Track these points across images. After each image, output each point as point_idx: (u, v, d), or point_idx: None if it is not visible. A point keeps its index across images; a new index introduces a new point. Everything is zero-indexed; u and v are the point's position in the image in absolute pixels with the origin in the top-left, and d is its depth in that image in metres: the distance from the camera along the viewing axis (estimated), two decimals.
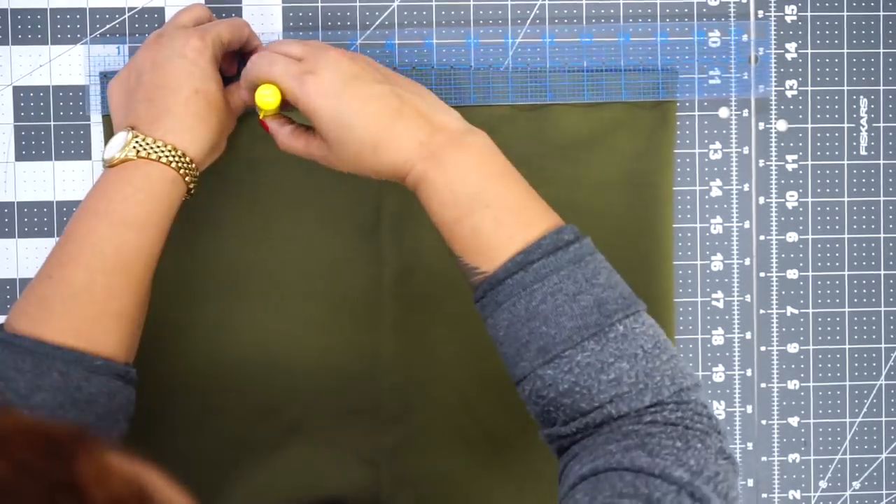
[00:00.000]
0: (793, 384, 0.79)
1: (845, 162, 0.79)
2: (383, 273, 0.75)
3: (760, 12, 0.78)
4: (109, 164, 0.64)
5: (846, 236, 0.79)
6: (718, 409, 0.78)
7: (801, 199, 0.79)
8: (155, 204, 0.63)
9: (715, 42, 0.77)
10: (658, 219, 0.76)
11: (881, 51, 0.78)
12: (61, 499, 0.33)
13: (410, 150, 0.61)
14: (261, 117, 0.67)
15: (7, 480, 0.33)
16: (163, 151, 0.63)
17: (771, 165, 0.78)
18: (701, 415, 0.58)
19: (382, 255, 0.75)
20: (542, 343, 0.58)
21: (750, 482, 0.79)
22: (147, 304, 0.65)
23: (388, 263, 0.75)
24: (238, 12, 0.75)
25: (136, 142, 0.63)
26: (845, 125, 0.79)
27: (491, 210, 0.60)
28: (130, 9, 0.75)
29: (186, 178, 0.65)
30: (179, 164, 0.64)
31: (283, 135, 0.66)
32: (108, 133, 0.74)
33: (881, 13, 0.78)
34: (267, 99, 0.64)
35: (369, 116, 0.61)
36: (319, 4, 0.76)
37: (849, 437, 0.79)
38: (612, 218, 0.76)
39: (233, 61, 0.71)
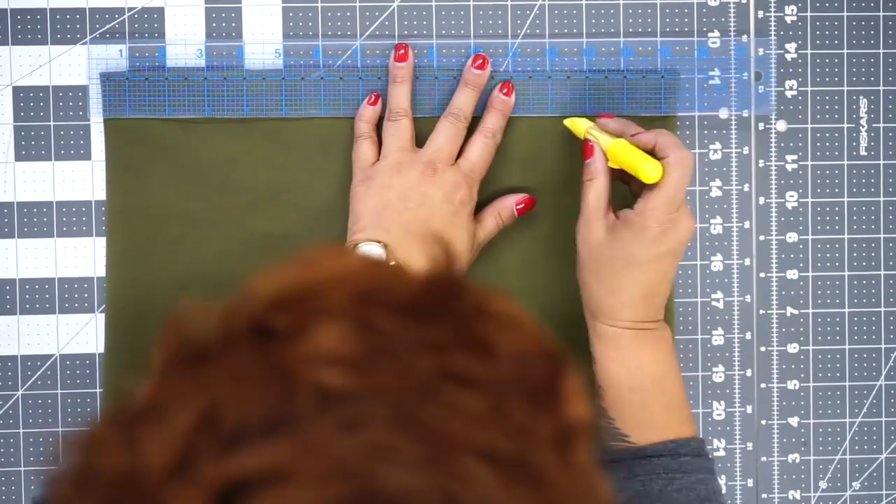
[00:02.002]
0: (793, 384, 0.79)
1: (845, 162, 0.79)
2: None
3: (760, 12, 0.78)
4: None
5: (846, 236, 0.79)
6: (718, 409, 0.78)
7: (801, 200, 0.79)
8: None
9: (714, 42, 0.77)
10: None
11: (881, 51, 0.78)
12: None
13: (624, 320, 0.66)
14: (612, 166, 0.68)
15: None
16: None
17: (771, 166, 0.78)
18: None
19: None
20: None
21: (750, 482, 0.79)
22: None
23: None
24: (238, 12, 0.75)
25: (391, 261, 0.66)
26: (845, 125, 0.78)
27: (665, 396, 0.66)
28: (130, 9, 0.75)
29: None
30: None
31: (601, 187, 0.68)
32: (109, 134, 0.74)
33: (881, 13, 0.78)
34: (650, 173, 0.65)
35: (644, 280, 0.66)
36: (319, 4, 0.76)
37: (849, 438, 0.79)
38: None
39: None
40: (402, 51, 0.73)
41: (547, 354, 0.37)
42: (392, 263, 0.66)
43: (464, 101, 0.72)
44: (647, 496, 0.63)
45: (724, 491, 0.69)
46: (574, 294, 0.70)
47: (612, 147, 0.68)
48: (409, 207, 0.68)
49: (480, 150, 0.71)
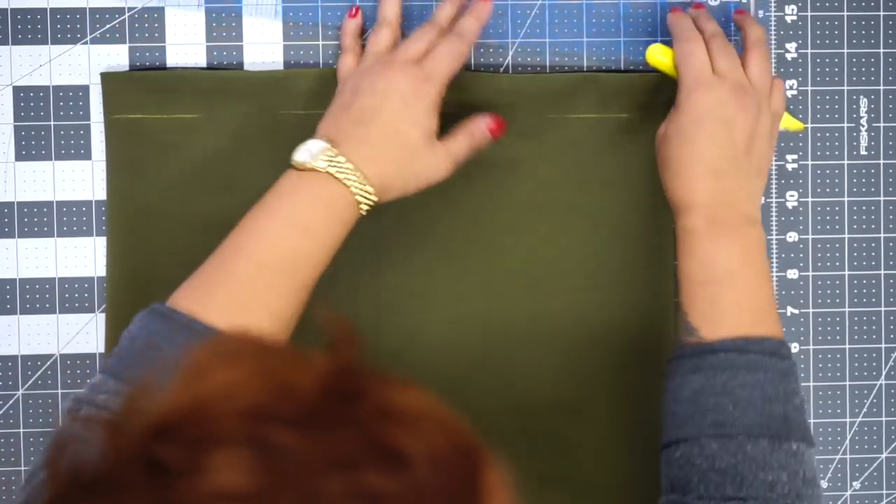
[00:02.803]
0: None
1: (845, 162, 0.79)
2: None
3: (760, 12, 0.78)
4: (298, 167, 0.65)
5: (846, 236, 0.79)
6: None
7: (801, 199, 0.79)
8: (332, 218, 0.65)
9: None
10: (658, 219, 0.76)
11: (881, 51, 0.78)
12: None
13: (697, 204, 0.66)
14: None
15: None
16: (351, 176, 0.65)
17: (771, 166, 0.78)
18: None
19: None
20: (721, 418, 0.61)
21: None
22: (299, 316, 0.65)
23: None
24: (237, 11, 0.75)
25: (331, 157, 0.65)
26: (845, 125, 0.78)
27: (736, 291, 0.65)
28: (130, 9, 0.75)
29: (362, 207, 0.66)
30: (361, 193, 0.65)
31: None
32: (108, 133, 0.74)
33: (881, 13, 0.78)
34: (659, 57, 0.71)
35: (700, 154, 0.67)
36: (319, 4, 0.76)
37: (849, 437, 0.79)
38: (612, 218, 0.76)
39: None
40: None
41: (463, 451, 0.35)
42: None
43: (444, 12, 0.71)
44: (711, 389, 0.62)
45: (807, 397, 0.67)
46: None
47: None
48: (357, 101, 0.67)
49: (447, 48, 0.69)
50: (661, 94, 0.76)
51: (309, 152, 0.65)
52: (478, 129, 0.70)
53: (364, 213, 0.66)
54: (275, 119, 0.74)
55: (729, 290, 0.65)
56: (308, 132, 0.74)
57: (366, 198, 0.65)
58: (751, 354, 0.63)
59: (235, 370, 0.35)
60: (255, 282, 0.63)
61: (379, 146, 0.66)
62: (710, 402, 0.62)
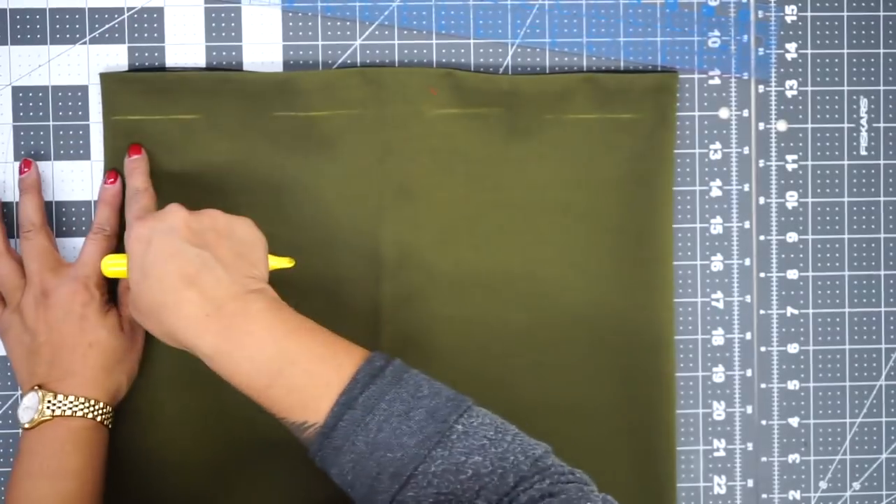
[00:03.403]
0: (793, 384, 0.79)
1: (845, 162, 0.79)
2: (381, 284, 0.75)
3: (760, 12, 0.78)
4: (32, 426, 0.67)
5: (846, 236, 0.79)
6: (718, 409, 0.78)
7: (801, 200, 0.79)
8: (84, 452, 0.67)
9: (715, 42, 0.77)
10: (658, 219, 0.76)
11: (881, 51, 0.78)
12: None
13: (196, 321, 0.61)
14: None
15: None
16: (76, 406, 0.67)
17: (771, 165, 0.78)
18: (565, 474, 0.59)
19: (383, 272, 0.75)
20: (392, 469, 0.59)
21: (750, 483, 0.79)
22: None
23: (386, 276, 0.75)
24: (237, 12, 0.75)
25: (49, 402, 0.67)
26: (845, 125, 0.78)
27: (298, 365, 0.61)
28: (130, 9, 0.75)
29: (105, 422, 0.69)
30: (95, 413, 0.68)
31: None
32: (109, 133, 0.74)
33: (881, 13, 0.78)
34: (113, 268, 0.69)
35: (163, 274, 0.62)
36: (319, 4, 0.76)
37: (849, 438, 0.79)
38: (612, 218, 0.76)
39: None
40: (26, 167, 0.73)
41: None
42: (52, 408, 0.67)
43: (102, 216, 0.72)
44: (362, 457, 0.59)
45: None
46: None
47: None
48: (40, 343, 0.69)
49: (90, 249, 0.71)
50: (662, 94, 0.76)
51: (29, 409, 0.67)
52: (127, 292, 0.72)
53: (110, 423, 0.69)
54: (274, 120, 0.74)
55: (292, 370, 0.61)
56: (307, 133, 0.75)
57: (101, 413, 0.68)
58: (359, 400, 0.59)
59: None
60: None
61: (82, 369, 0.68)
62: (372, 465, 0.59)
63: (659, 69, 0.77)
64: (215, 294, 0.62)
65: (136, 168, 0.72)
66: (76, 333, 0.68)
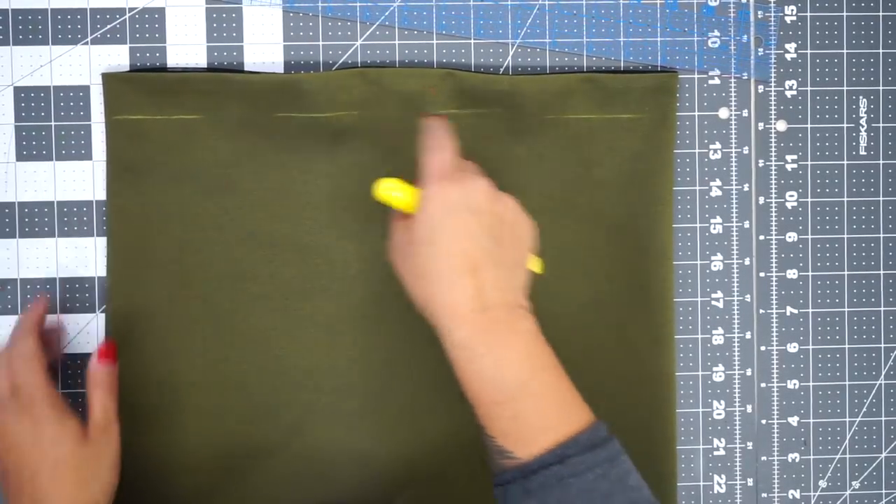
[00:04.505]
0: (793, 384, 0.79)
1: (845, 162, 0.79)
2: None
3: (760, 12, 0.78)
4: None
5: (846, 236, 0.79)
6: (718, 408, 0.78)
7: (800, 199, 0.79)
8: None
9: (715, 42, 0.77)
10: (658, 219, 0.76)
11: (881, 51, 0.78)
12: None
13: (461, 309, 0.60)
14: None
15: None
16: None
17: (771, 165, 0.78)
18: None
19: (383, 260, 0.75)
20: None
21: (749, 482, 0.79)
22: None
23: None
24: (239, 13, 0.75)
25: None
26: (845, 125, 0.79)
27: (534, 400, 0.60)
28: (131, 9, 0.75)
29: None
30: None
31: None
32: (110, 134, 0.74)
33: (881, 13, 0.78)
34: (387, 192, 0.64)
35: (453, 250, 0.60)
36: (319, 4, 0.76)
37: (848, 437, 0.79)
38: (612, 218, 0.76)
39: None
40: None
41: None
42: None
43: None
44: None
45: (635, 472, 0.61)
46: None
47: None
48: (9, 476, 0.65)
49: (19, 363, 0.67)
50: (662, 94, 0.76)
51: None
52: (93, 366, 0.70)
53: None
54: (275, 121, 0.74)
55: (528, 400, 0.60)
56: (308, 133, 0.75)
57: None
58: (572, 458, 0.59)
59: None
60: None
61: (57, 494, 0.64)
62: None
63: (659, 69, 0.77)
64: (490, 294, 0.60)
65: None
66: (34, 465, 0.65)
